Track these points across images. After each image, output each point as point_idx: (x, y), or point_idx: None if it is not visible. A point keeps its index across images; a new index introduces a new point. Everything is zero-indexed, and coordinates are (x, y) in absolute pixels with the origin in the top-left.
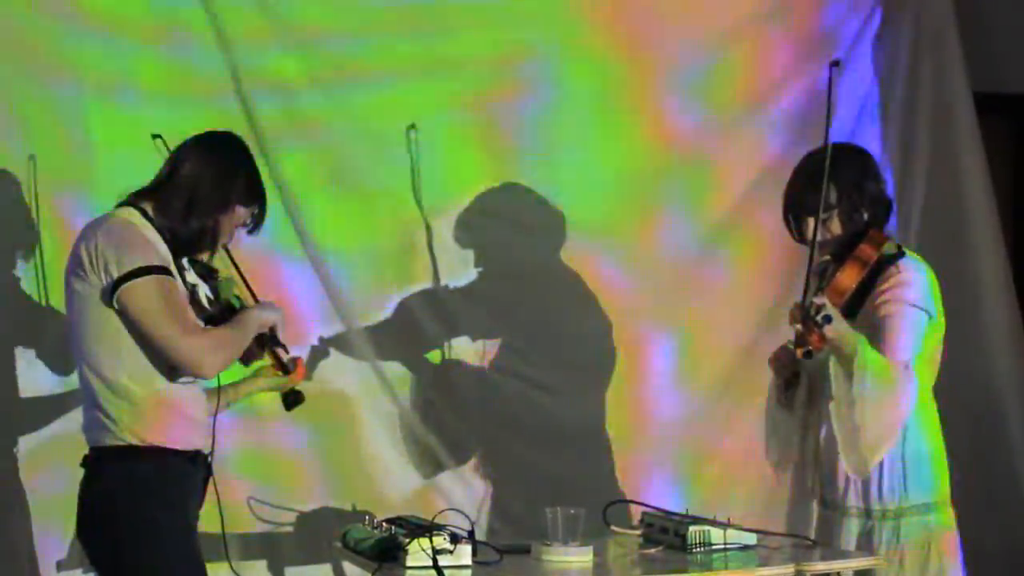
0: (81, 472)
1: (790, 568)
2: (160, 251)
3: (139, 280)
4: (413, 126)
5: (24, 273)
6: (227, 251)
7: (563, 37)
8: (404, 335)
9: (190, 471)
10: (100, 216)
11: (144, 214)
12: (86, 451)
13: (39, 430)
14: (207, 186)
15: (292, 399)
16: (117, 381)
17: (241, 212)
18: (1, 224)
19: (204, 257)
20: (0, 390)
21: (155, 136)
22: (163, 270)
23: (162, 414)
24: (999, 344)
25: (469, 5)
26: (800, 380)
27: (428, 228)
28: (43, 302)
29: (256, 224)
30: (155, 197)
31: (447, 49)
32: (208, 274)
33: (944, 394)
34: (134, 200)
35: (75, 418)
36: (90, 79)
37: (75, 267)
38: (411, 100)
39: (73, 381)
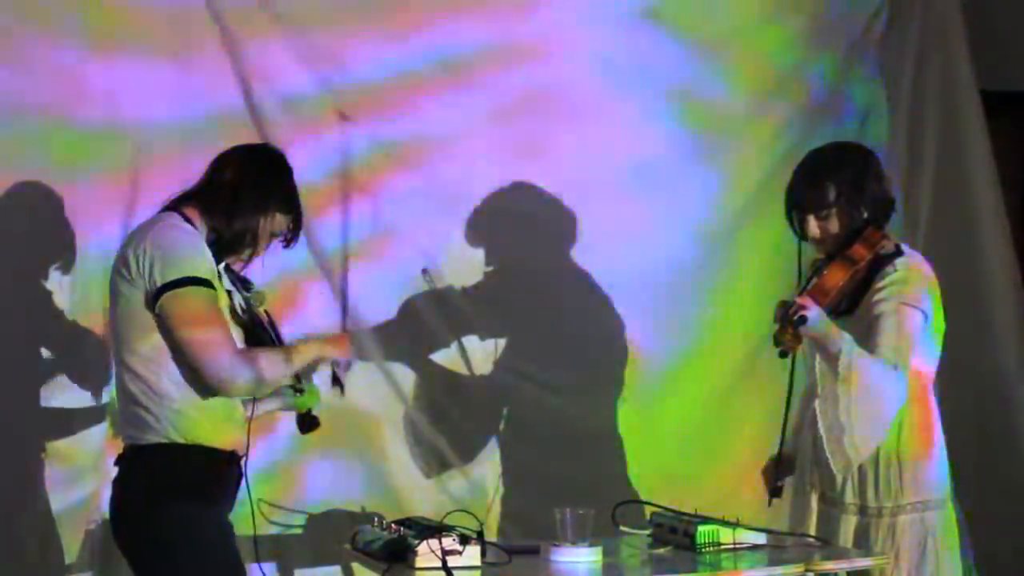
0: (88, 478)
1: (799, 568)
2: (208, 262)
3: (181, 290)
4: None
5: (55, 285)
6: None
7: (571, 29)
8: (411, 335)
9: (229, 471)
10: (148, 220)
11: (188, 220)
12: (100, 454)
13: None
14: (249, 188)
15: (307, 423)
16: (159, 384)
17: (280, 220)
18: (37, 238)
19: (239, 266)
20: (24, 398)
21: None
22: (207, 283)
23: (203, 415)
24: (1006, 342)
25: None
26: (782, 492)
27: (429, 284)
28: (72, 317)
29: (293, 236)
30: (198, 201)
31: (457, 50)
32: (242, 284)
33: (951, 391)
34: (176, 205)
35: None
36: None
37: (121, 269)
38: (422, 98)
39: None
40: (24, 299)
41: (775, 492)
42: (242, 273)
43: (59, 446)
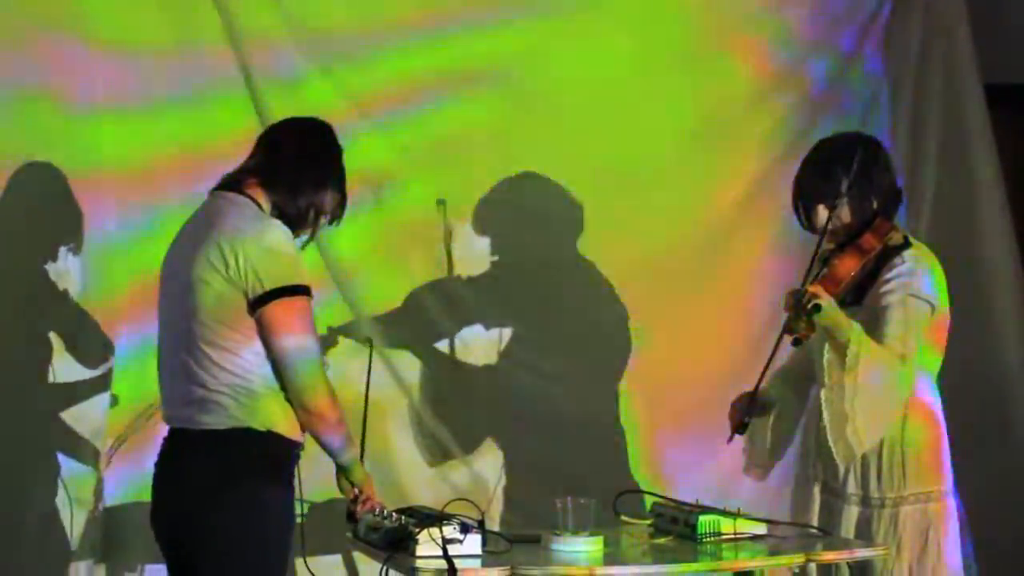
0: (91, 465)
1: (800, 558)
2: (305, 267)
3: (288, 299)
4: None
5: (62, 267)
6: None
7: (574, 23)
8: (415, 325)
9: (295, 461)
10: (227, 206)
11: (254, 201)
12: (101, 442)
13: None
14: (310, 163)
15: None
16: (238, 374)
17: (335, 197)
18: (38, 217)
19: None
20: (30, 378)
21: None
22: (309, 291)
23: (277, 405)
24: (1008, 335)
25: None
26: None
27: (444, 217)
28: (78, 298)
29: (339, 216)
30: (258, 179)
31: (460, 37)
32: None
33: (953, 384)
34: (239, 186)
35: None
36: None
37: (214, 261)
38: (423, 88)
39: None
40: (32, 279)
41: (739, 428)
42: None
43: (62, 428)
